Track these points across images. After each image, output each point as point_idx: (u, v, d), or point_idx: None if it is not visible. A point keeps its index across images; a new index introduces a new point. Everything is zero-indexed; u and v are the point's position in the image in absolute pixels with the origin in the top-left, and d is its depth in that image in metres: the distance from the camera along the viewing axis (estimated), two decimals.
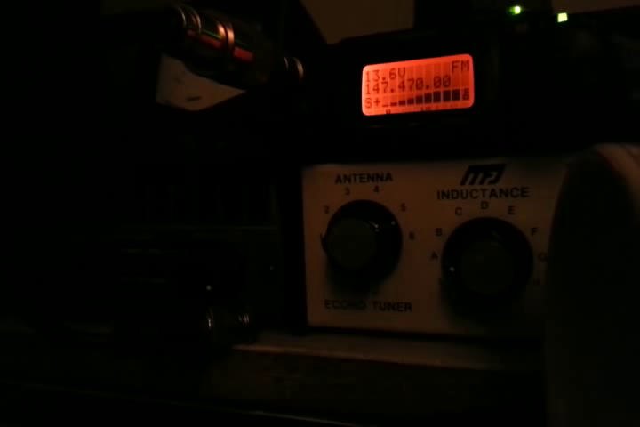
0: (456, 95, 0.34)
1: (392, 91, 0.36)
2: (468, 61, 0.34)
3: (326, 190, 0.38)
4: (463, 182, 0.35)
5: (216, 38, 0.29)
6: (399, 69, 0.36)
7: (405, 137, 0.36)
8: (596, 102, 0.30)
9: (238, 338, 0.37)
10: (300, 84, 0.37)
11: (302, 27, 0.45)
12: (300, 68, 0.37)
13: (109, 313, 0.42)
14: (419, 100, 0.35)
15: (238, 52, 0.31)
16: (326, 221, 0.38)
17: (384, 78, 0.36)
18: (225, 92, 0.41)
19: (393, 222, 0.36)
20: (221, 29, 0.30)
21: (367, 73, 0.36)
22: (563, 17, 0.32)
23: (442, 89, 0.35)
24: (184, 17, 0.28)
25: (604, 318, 0.24)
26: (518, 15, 0.36)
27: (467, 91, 0.34)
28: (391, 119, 0.36)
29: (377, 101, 0.36)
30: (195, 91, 0.44)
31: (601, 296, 0.24)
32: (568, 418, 0.26)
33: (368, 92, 0.36)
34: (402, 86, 0.36)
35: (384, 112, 0.36)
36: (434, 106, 0.35)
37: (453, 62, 0.34)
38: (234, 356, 0.37)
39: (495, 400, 0.31)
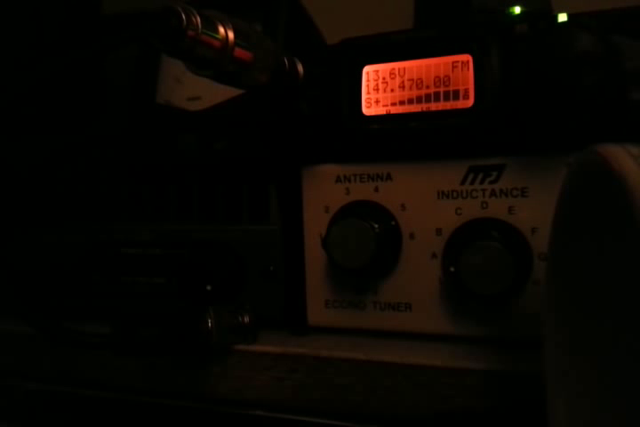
0: (456, 95, 0.34)
1: (392, 91, 0.36)
2: (468, 61, 0.34)
3: (326, 190, 0.38)
4: (463, 182, 0.35)
5: (216, 38, 0.29)
6: (399, 69, 0.36)
7: (405, 137, 0.36)
8: (596, 102, 0.30)
9: (238, 338, 0.37)
10: (300, 84, 0.37)
11: (302, 27, 0.45)
12: (299, 68, 0.37)
13: (109, 313, 0.42)
14: (419, 100, 0.35)
15: (238, 52, 0.31)
16: (326, 221, 0.38)
17: (384, 78, 0.36)
18: (225, 92, 0.41)
19: (393, 222, 0.36)
20: (221, 29, 0.30)
21: (367, 73, 0.36)
22: (563, 17, 0.32)
23: (442, 89, 0.35)
24: (184, 17, 0.28)
25: (603, 319, 0.24)
26: (518, 15, 0.36)
27: (467, 91, 0.34)
28: (391, 119, 0.36)
29: (377, 101, 0.36)
30: (195, 91, 0.44)
31: (601, 296, 0.24)
32: (568, 418, 0.26)
33: (368, 92, 0.36)
34: (402, 86, 0.36)
35: (384, 112, 0.36)
36: (434, 106, 0.35)
37: (453, 62, 0.34)
38: (234, 356, 0.37)
39: (495, 400, 0.31)
